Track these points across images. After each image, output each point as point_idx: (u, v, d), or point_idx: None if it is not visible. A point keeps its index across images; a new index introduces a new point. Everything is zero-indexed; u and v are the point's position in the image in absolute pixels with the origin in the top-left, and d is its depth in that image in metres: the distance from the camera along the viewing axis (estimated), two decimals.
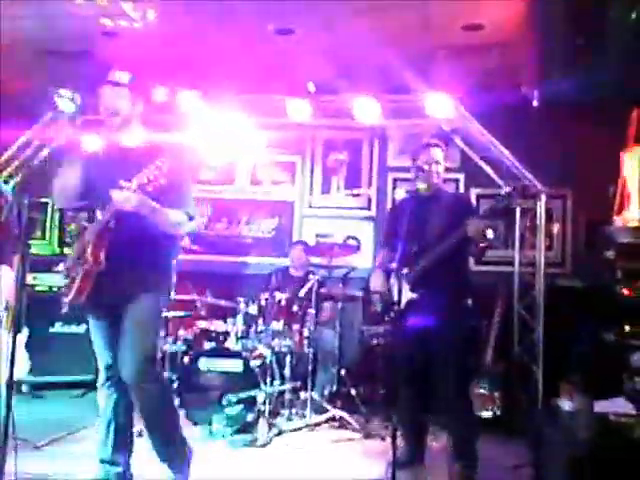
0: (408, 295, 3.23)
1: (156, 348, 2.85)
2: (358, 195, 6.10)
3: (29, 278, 5.02)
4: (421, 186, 3.34)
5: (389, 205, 5.93)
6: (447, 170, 3.52)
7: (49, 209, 6.18)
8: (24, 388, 4.97)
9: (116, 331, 2.75)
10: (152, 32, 4.24)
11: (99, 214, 2.73)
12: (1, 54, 4.70)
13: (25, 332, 4.20)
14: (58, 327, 5.17)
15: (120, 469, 2.79)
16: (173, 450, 2.79)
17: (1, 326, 4.15)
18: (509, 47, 4.50)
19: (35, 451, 3.43)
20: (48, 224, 6.22)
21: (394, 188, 5.99)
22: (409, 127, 5.65)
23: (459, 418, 3.27)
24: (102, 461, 2.80)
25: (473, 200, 5.37)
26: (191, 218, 2.82)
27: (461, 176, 5.79)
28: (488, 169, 5.12)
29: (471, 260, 3.55)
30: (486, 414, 4.41)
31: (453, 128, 5.21)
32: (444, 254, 3.19)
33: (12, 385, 2.52)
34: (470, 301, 3.41)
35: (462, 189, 5.75)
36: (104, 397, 2.83)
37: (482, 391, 4.46)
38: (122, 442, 2.82)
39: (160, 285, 2.81)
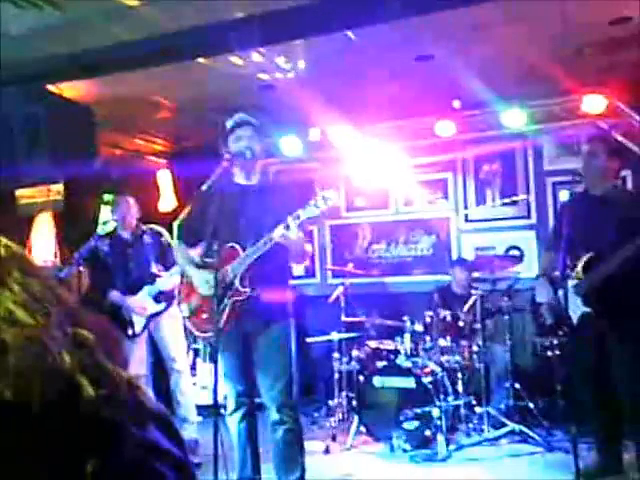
0: (581, 308, 3.12)
1: (292, 372, 2.99)
2: (516, 203, 5.99)
3: None
4: (590, 186, 3.22)
5: (550, 211, 5.76)
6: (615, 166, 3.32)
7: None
8: (223, 411, 5.50)
9: (248, 359, 2.97)
10: (302, 78, 4.62)
11: (238, 247, 2.90)
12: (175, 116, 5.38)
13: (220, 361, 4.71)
14: None
15: None
16: (291, 470, 2.94)
17: (202, 358, 4.67)
18: None
19: None
20: None
21: (554, 192, 5.82)
22: (564, 129, 5.48)
23: None
24: None
25: None
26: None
27: (627, 172, 5.47)
28: None
29: None
30: None
31: (611, 124, 4.99)
32: (620, 264, 2.96)
33: (218, 409, 2.91)
34: None
35: (629, 186, 5.43)
36: (235, 424, 3.03)
37: None
38: (257, 464, 3.06)
39: (290, 311, 3.02)
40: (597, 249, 3.11)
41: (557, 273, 3.22)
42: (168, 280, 4.03)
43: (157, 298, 4.08)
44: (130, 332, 4.08)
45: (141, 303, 4.07)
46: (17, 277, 0.61)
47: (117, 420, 0.59)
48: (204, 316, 2.98)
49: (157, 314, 4.09)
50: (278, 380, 2.92)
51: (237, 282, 2.89)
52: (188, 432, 4.04)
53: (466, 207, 6.17)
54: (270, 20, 3.08)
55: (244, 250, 2.90)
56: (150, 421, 0.62)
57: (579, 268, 3.18)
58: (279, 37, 3.31)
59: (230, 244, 2.92)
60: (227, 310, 2.90)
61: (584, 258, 3.15)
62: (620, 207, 3.15)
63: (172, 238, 4.46)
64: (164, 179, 6.39)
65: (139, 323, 4.09)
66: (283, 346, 2.95)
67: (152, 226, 4.34)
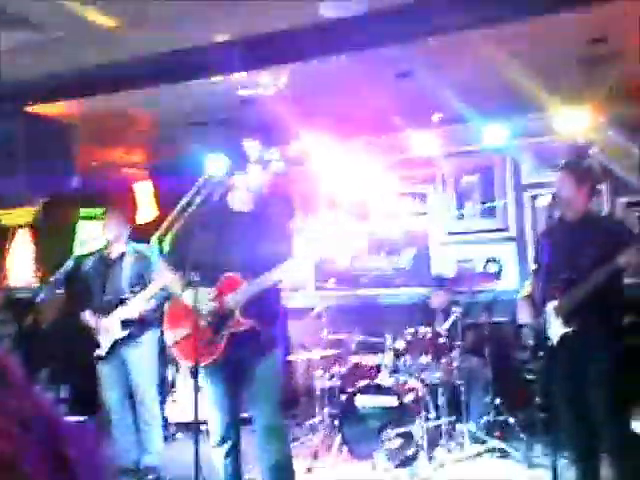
0: (561, 329, 3.18)
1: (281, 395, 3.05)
2: (494, 210, 6.01)
3: None
4: (565, 212, 3.29)
5: (528, 223, 5.83)
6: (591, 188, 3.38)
7: None
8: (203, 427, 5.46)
9: (238, 390, 2.96)
10: (284, 93, 4.60)
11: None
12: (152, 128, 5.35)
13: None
14: None
15: None
16: None
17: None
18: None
19: None
20: None
21: (533, 205, 5.87)
22: (542, 144, 5.54)
23: (618, 449, 3.19)
24: None
25: (621, 212, 5.16)
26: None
27: (603, 187, 5.55)
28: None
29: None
30: None
31: (589, 140, 5.06)
32: (597, 287, 3.08)
33: (198, 427, 2.88)
34: (624, 323, 3.29)
35: (607, 200, 5.51)
36: (221, 458, 2.98)
37: None
38: None
39: (282, 338, 3.11)
40: (574, 273, 3.19)
41: (538, 296, 3.27)
42: (136, 307, 3.95)
43: (124, 323, 4.00)
44: (97, 354, 4.05)
45: (107, 327, 4.00)
46: None
47: None
48: (195, 344, 2.82)
49: (123, 340, 4.02)
50: (271, 405, 2.92)
51: (238, 313, 2.88)
52: (150, 459, 4.02)
53: (446, 220, 6.20)
54: (251, 45, 3.07)
55: (245, 279, 2.88)
56: None
57: (558, 292, 3.24)
58: (261, 62, 3.30)
59: (230, 273, 2.90)
60: (224, 340, 2.88)
61: (563, 282, 3.22)
62: (593, 232, 3.27)
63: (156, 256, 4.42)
64: (143, 191, 6.33)
65: (105, 346, 4.03)
66: (277, 372, 2.98)
67: (137, 245, 4.26)
